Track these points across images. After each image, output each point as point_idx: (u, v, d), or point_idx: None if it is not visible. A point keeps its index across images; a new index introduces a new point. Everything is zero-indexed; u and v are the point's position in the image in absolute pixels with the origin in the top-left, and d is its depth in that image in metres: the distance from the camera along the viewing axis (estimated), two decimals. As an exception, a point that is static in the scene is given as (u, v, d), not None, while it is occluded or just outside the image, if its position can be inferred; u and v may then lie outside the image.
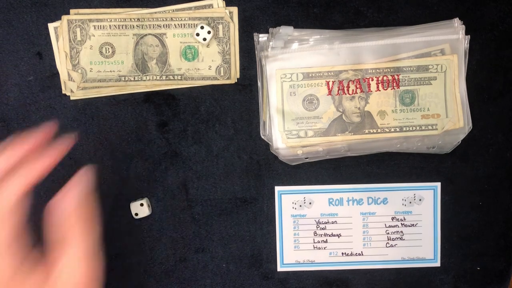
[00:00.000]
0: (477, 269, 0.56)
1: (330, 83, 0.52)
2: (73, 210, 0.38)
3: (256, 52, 0.53)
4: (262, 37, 0.52)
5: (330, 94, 0.52)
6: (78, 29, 0.51)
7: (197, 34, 0.51)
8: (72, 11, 0.51)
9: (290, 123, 0.52)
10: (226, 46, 0.52)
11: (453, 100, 0.52)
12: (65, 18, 0.51)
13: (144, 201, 0.53)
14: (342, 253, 0.56)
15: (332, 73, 0.52)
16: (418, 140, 0.53)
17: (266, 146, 0.54)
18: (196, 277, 0.56)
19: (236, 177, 0.54)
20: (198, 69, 0.52)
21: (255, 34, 0.52)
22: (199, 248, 0.55)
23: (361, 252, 0.56)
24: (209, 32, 0.51)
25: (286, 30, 0.51)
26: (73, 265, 0.37)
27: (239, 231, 0.55)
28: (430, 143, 0.53)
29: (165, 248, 0.55)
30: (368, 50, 0.51)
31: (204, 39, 0.51)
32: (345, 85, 0.52)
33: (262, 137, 0.54)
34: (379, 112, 0.52)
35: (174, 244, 0.55)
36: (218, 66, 0.52)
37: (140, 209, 0.53)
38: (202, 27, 0.51)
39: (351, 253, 0.56)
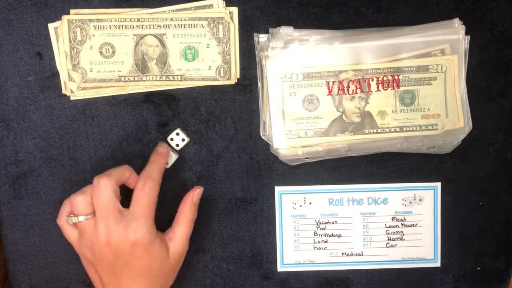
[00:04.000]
0: (477, 269, 0.56)
1: (330, 83, 0.52)
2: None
3: (256, 52, 0.52)
4: (262, 37, 0.52)
5: (330, 94, 0.52)
6: (78, 29, 0.51)
7: (171, 139, 0.53)
8: (72, 11, 0.51)
9: (290, 123, 0.52)
10: (226, 47, 0.52)
11: (453, 100, 0.52)
12: (65, 18, 0.51)
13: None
14: (342, 253, 0.56)
15: (332, 73, 0.52)
16: (418, 140, 0.53)
17: (266, 146, 0.54)
18: (196, 277, 0.56)
19: (236, 177, 0.54)
20: (198, 69, 0.52)
21: (255, 34, 0.52)
22: (199, 248, 0.55)
23: (361, 252, 0.56)
24: (183, 140, 0.53)
25: (286, 30, 0.51)
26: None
27: (239, 231, 0.55)
28: (430, 143, 0.53)
29: (165, 248, 0.55)
30: (368, 50, 0.51)
31: (177, 145, 0.53)
32: (345, 85, 0.52)
33: (262, 137, 0.53)
34: (379, 112, 0.52)
35: (174, 244, 0.55)
36: (218, 67, 0.52)
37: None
38: (177, 134, 0.53)
39: (351, 253, 0.56)
